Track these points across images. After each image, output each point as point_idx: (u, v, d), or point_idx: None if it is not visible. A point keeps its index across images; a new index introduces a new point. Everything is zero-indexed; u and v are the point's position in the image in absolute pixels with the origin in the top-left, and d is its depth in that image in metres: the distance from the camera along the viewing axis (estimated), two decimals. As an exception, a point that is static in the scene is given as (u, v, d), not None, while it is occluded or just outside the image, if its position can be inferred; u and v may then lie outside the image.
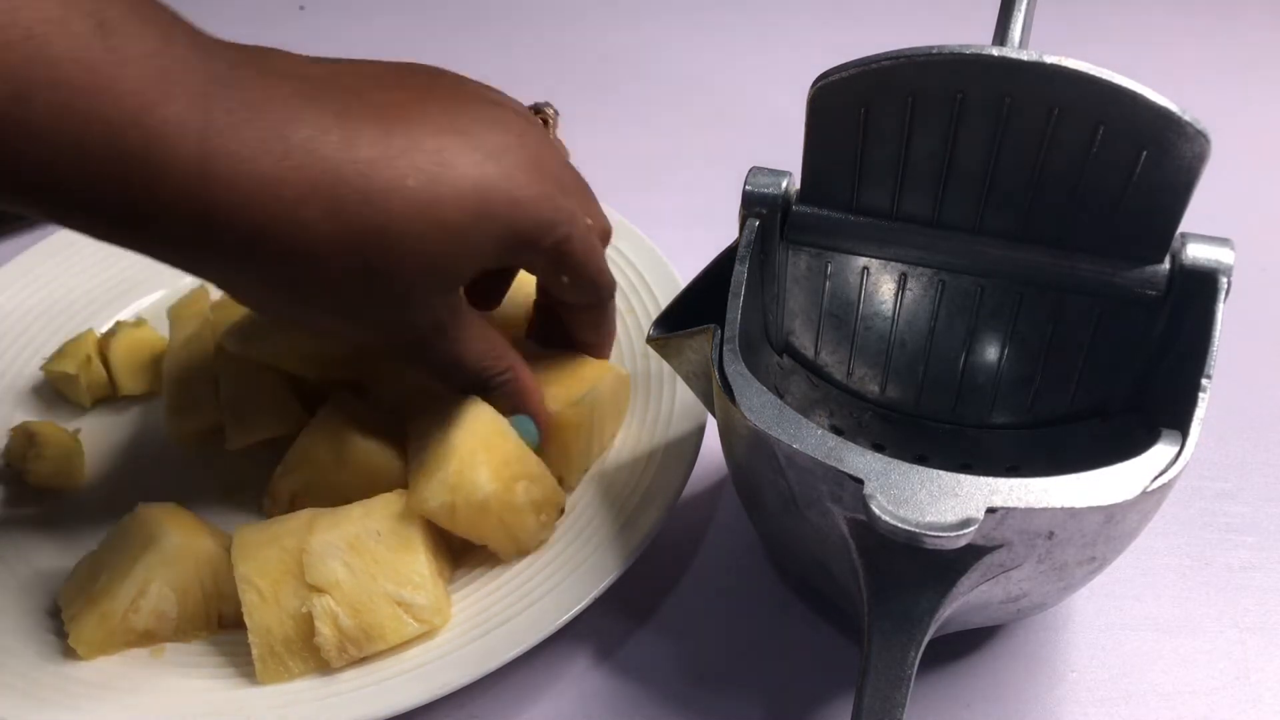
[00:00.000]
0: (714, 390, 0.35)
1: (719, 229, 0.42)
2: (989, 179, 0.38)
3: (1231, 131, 0.47)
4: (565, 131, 0.63)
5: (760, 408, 0.33)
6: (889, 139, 0.38)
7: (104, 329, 0.51)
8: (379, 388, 0.45)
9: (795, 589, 0.42)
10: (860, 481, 0.30)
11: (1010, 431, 0.42)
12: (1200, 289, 0.36)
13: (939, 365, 0.43)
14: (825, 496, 0.32)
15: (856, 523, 0.32)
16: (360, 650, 0.36)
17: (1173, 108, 0.34)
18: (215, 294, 0.50)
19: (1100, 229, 0.38)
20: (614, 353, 0.49)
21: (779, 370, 0.43)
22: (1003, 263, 0.40)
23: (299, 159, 0.31)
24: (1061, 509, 0.30)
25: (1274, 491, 0.47)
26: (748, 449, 0.35)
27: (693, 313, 0.37)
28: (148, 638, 0.38)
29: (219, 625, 0.39)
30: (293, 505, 0.42)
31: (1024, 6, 0.38)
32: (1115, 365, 0.40)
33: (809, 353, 0.44)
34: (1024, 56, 0.35)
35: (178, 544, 0.38)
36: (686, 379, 0.40)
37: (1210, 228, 0.38)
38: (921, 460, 0.41)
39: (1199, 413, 0.33)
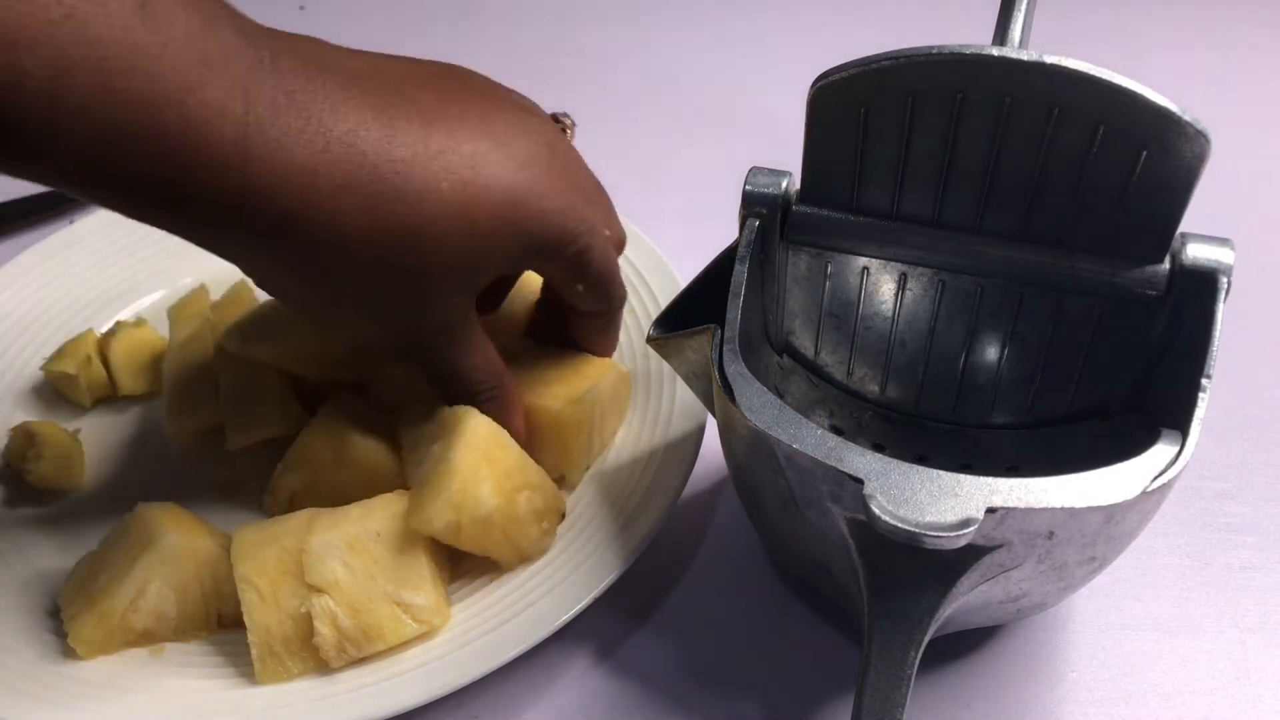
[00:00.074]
0: (714, 390, 0.35)
1: (719, 229, 0.42)
2: (989, 179, 0.38)
3: (1231, 131, 0.47)
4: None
5: (760, 408, 0.33)
6: (889, 139, 0.38)
7: (104, 329, 0.51)
8: (379, 388, 0.45)
9: (795, 589, 0.42)
10: (860, 481, 0.30)
11: (1010, 431, 0.42)
12: (1200, 289, 0.36)
13: (939, 365, 0.43)
14: (825, 496, 0.32)
15: (856, 523, 0.32)
16: (359, 650, 0.36)
17: (1173, 108, 0.34)
18: (215, 294, 0.50)
19: (1100, 229, 0.38)
20: (614, 352, 0.49)
21: (779, 370, 0.43)
22: (1003, 263, 0.40)
23: (338, 152, 0.31)
24: (1061, 509, 0.30)
25: (1274, 491, 0.47)
26: (748, 449, 0.35)
27: (693, 313, 0.37)
28: (147, 637, 0.38)
29: (218, 625, 0.39)
30: (293, 505, 0.42)
31: (1024, 6, 0.38)
32: (1115, 365, 0.40)
33: (809, 353, 0.44)
34: (1024, 56, 0.35)
35: (177, 544, 0.38)
36: (686, 379, 0.40)
37: (1210, 228, 0.38)
38: (921, 460, 0.41)
39: (1199, 413, 0.33)
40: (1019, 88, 0.35)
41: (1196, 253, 0.37)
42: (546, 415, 0.41)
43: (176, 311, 0.49)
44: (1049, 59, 0.34)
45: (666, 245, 0.52)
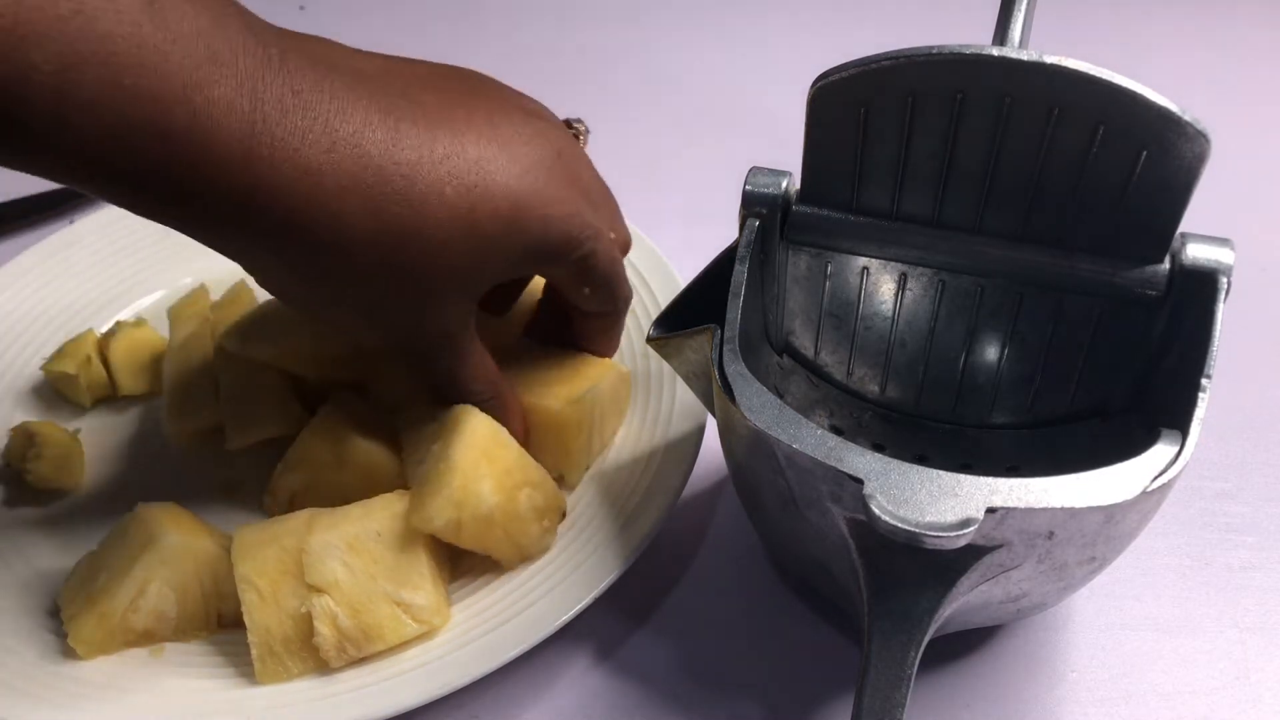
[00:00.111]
0: (714, 390, 0.35)
1: (719, 229, 0.42)
2: (989, 179, 0.38)
3: (1231, 131, 0.47)
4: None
5: (760, 408, 0.33)
6: (889, 139, 0.38)
7: (104, 329, 0.51)
8: (379, 388, 0.45)
9: (795, 589, 0.42)
10: (860, 481, 0.30)
11: (1010, 431, 0.42)
12: (1200, 289, 0.36)
13: (939, 365, 0.43)
14: (825, 496, 0.32)
15: (856, 523, 0.32)
16: (359, 650, 0.36)
17: (1173, 108, 0.34)
18: (215, 294, 0.50)
19: (1100, 229, 0.38)
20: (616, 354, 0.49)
21: (779, 370, 0.43)
22: (1003, 263, 0.40)
23: (343, 152, 0.31)
24: (1061, 509, 0.30)
25: (1274, 491, 0.47)
26: (748, 449, 0.35)
27: (693, 313, 0.37)
28: (147, 637, 0.38)
29: (218, 625, 0.39)
30: (293, 505, 0.42)
31: (1024, 6, 0.38)
32: (1115, 365, 0.40)
33: (809, 353, 0.44)
34: (1024, 56, 0.35)
35: (177, 544, 0.38)
36: (686, 379, 0.40)
37: (1210, 228, 0.38)
38: (921, 460, 0.41)
39: (1199, 413, 0.33)
40: (1019, 88, 0.35)
41: (1196, 253, 0.37)
42: (546, 415, 0.41)
43: (176, 311, 0.49)
44: (1049, 59, 0.34)
45: (666, 245, 0.52)
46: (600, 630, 0.41)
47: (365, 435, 0.41)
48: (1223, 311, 0.35)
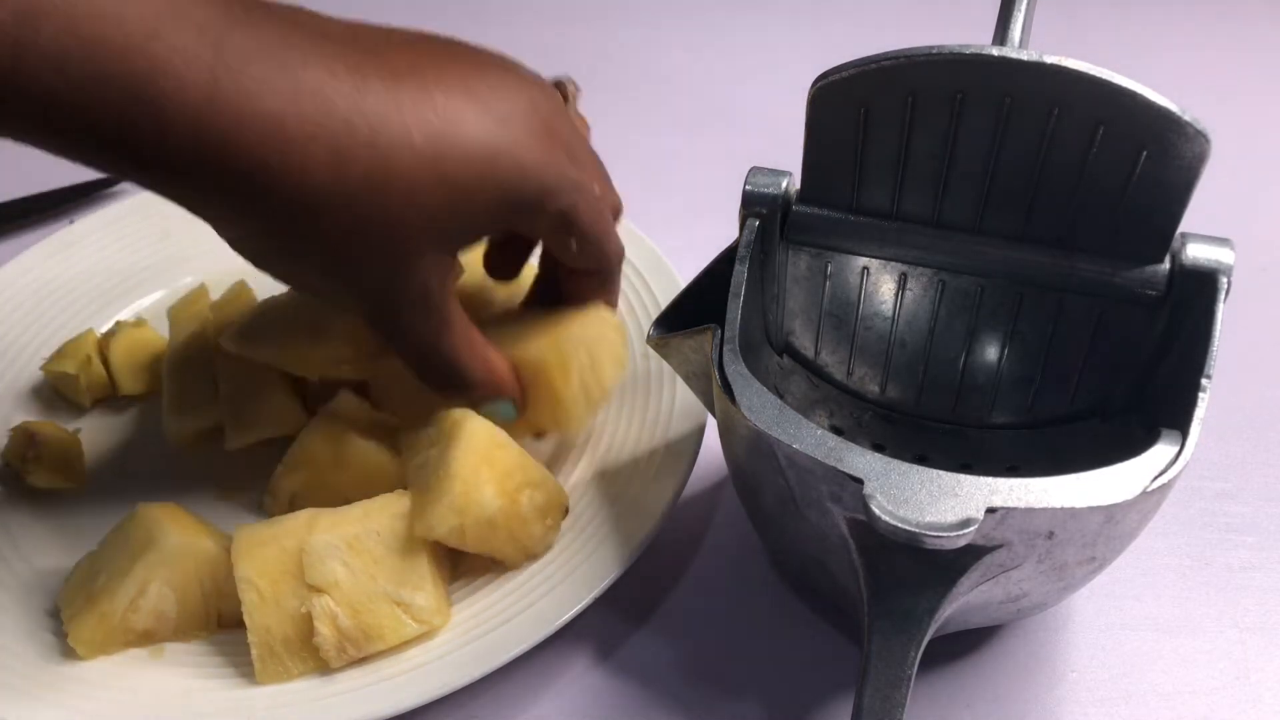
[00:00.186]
0: (714, 390, 0.35)
1: (719, 229, 0.42)
2: (989, 179, 0.38)
3: (1231, 131, 0.47)
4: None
5: (760, 408, 0.33)
6: (889, 139, 0.38)
7: (104, 329, 0.51)
8: (379, 389, 0.45)
9: (795, 589, 0.42)
10: (860, 481, 0.30)
11: (1010, 431, 0.42)
12: (1200, 289, 0.36)
13: (939, 365, 0.43)
14: (825, 496, 0.32)
15: (856, 523, 0.32)
16: (359, 650, 0.36)
17: (1173, 108, 0.34)
18: (215, 294, 0.50)
19: (1100, 229, 0.38)
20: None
21: (779, 370, 0.43)
22: (1003, 263, 0.40)
23: (307, 102, 0.31)
24: (1061, 509, 0.30)
25: (1274, 491, 0.46)
26: (748, 449, 0.35)
27: (693, 313, 0.37)
28: (147, 637, 0.38)
29: (218, 625, 0.39)
30: (293, 505, 0.42)
31: (1024, 6, 0.38)
32: (1115, 365, 0.40)
33: (809, 353, 0.44)
34: (1024, 56, 0.35)
35: (177, 544, 0.38)
36: (686, 379, 0.40)
37: (1210, 228, 0.38)
38: (921, 460, 0.41)
39: (1199, 413, 0.33)
40: (1019, 88, 0.35)
41: (1196, 253, 0.37)
42: (529, 365, 0.40)
43: (176, 311, 0.49)
44: (1049, 59, 0.34)
45: (666, 245, 0.52)
46: (600, 630, 0.41)
47: (365, 435, 0.41)
48: (1223, 311, 0.35)
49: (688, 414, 0.44)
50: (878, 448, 0.42)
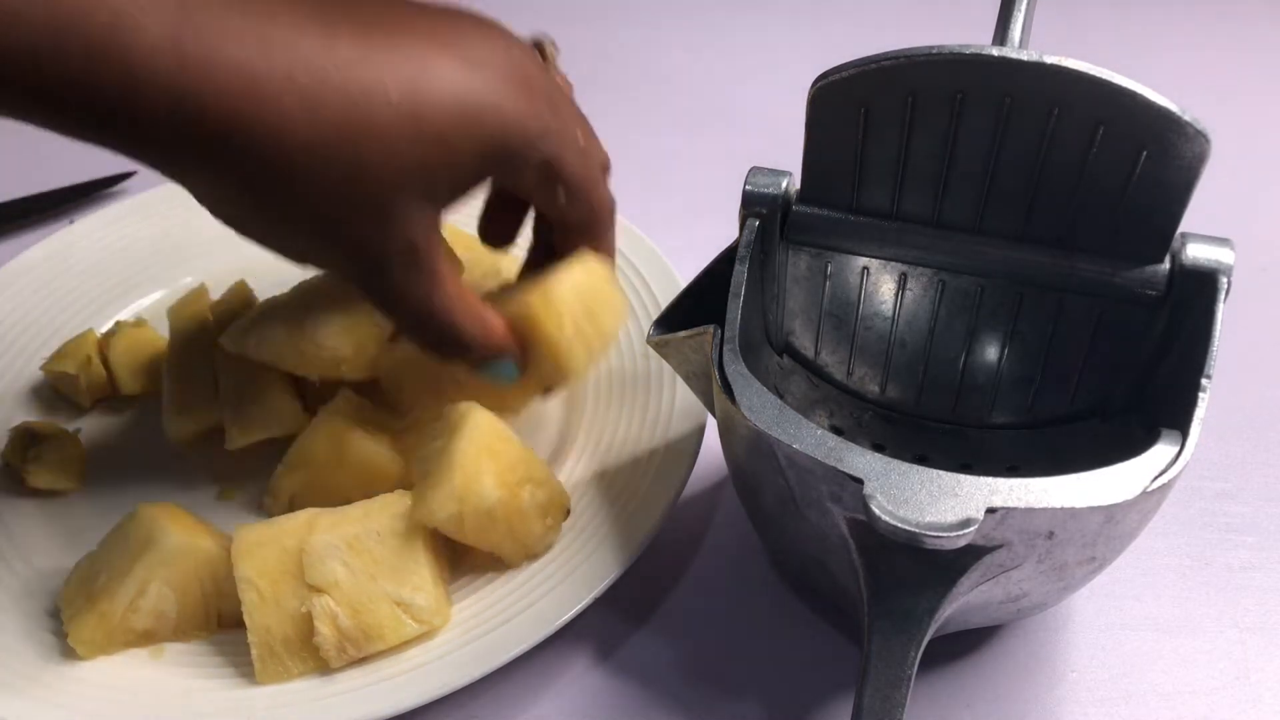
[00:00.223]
0: (714, 390, 0.35)
1: (719, 229, 0.42)
2: (989, 179, 0.38)
3: (1231, 131, 0.47)
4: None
5: (760, 408, 0.33)
6: (889, 139, 0.38)
7: (104, 329, 0.51)
8: (383, 389, 0.45)
9: (795, 589, 0.42)
10: (860, 481, 0.30)
11: (1010, 431, 0.42)
12: (1200, 289, 0.36)
13: (939, 365, 0.43)
14: (825, 496, 0.32)
15: (856, 523, 0.32)
16: (359, 650, 0.36)
17: (1173, 108, 0.34)
18: (215, 294, 0.50)
19: (1100, 229, 0.38)
20: (614, 353, 0.49)
21: (779, 370, 0.43)
22: (1003, 263, 0.40)
23: (279, 54, 0.30)
24: (1061, 509, 0.30)
25: (1274, 491, 0.46)
26: (748, 449, 0.35)
27: (693, 313, 0.37)
28: (147, 637, 0.38)
29: (218, 625, 0.39)
30: (293, 505, 0.42)
31: (1024, 6, 0.38)
32: (1115, 365, 0.40)
33: (809, 353, 0.44)
34: (1024, 56, 0.35)
35: (177, 544, 0.38)
36: (686, 379, 0.40)
37: (1210, 228, 0.38)
38: (921, 460, 0.41)
39: (1199, 413, 0.33)
40: (1019, 88, 0.35)
41: (1196, 253, 0.37)
42: (521, 319, 0.39)
43: (176, 311, 0.49)
44: (1049, 59, 0.34)
45: (666, 245, 0.52)
46: (600, 630, 0.41)
47: (365, 435, 0.41)
48: (1223, 311, 0.35)
49: (688, 414, 0.44)
50: (878, 448, 0.42)
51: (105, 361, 0.48)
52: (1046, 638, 0.41)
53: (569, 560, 0.39)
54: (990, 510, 0.29)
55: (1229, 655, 0.40)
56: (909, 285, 0.42)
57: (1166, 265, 0.38)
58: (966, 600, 0.33)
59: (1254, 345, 0.53)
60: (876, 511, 0.29)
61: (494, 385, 0.39)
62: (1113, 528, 0.32)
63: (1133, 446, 0.32)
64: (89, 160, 0.65)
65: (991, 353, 0.42)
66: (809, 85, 0.37)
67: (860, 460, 0.31)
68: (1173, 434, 0.33)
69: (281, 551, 0.37)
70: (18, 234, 0.62)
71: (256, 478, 0.44)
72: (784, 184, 0.40)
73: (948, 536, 0.29)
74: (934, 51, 0.35)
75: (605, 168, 0.40)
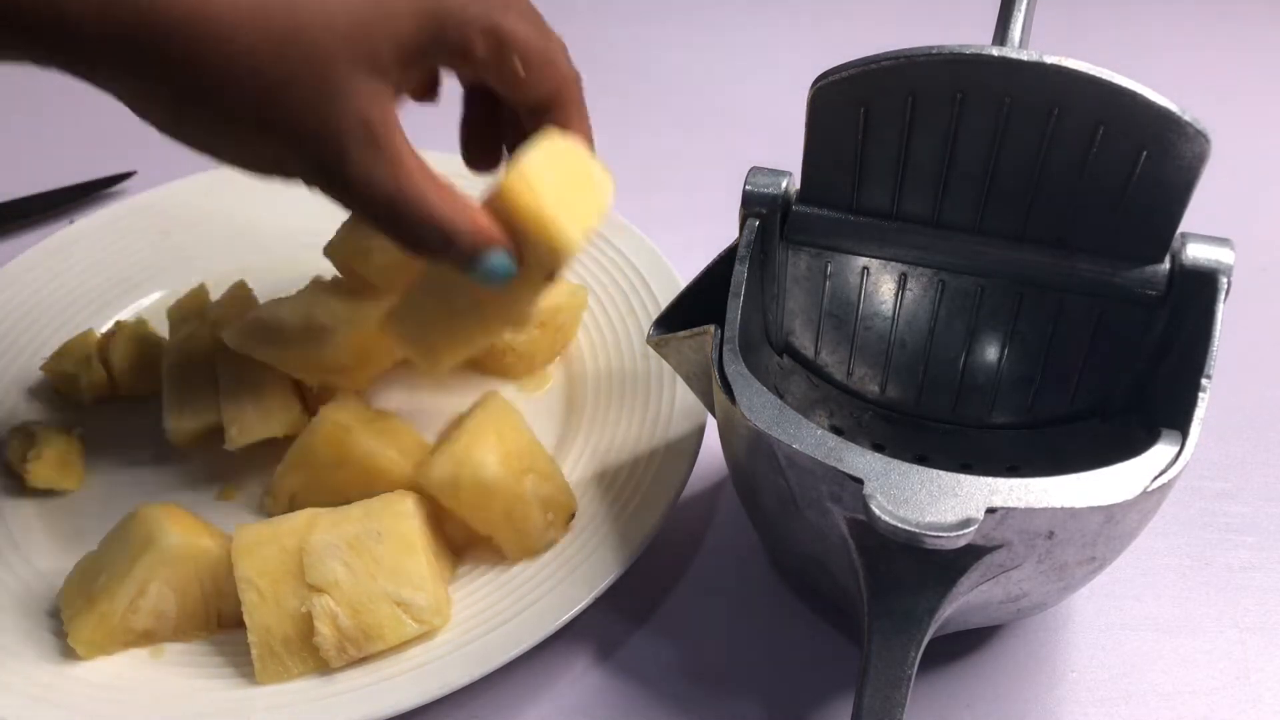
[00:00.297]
0: (714, 390, 0.35)
1: (719, 229, 0.42)
2: (989, 179, 0.38)
3: (1231, 131, 0.47)
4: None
5: (760, 408, 0.33)
6: (889, 139, 0.38)
7: (104, 329, 0.51)
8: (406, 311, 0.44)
9: (795, 589, 0.42)
10: (860, 481, 0.30)
11: (1010, 431, 0.42)
12: (1200, 289, 0.36)
13: (939, 365, 0.43)
14: (825, 496, 0.32)
15: (856, 523, 0.32)
16: (359, 650, 0.36)
17: (1173, 108, 0.34)
18: (215, 294, 0.50)
19: (1100, 229, 0.38)
20: (614, 353, 0.49)
21: (779, 370, 0.43)
22: (1003, 263, 0.40)
23: None
24: (1061, 509, 0.30)
25: (1274, 491, 0.46)
26: (748, 449, 0.35)
27: (693, 313, 0.37)
28: (147, 637, 0.38)
29: (218, 625, 0.39)
30: (293, 505, 0.42)
31: (1024, 6, 0.38)
32: (1115, 365, 0.40)
33: (809, 353, 0.44)
34: (1024, 56, 0.35)
35: (177, 544, 0.38)
36: (686, 379, 0.40)
37: (1210, 228, 0.38)
38: (921, 460, 0.41)
39: (1199, 413, 0.33)
40: (1019, 88, 0.35)
41: (1196, 253, 0.37)
42: (496, 202, 0.35)
43: (176, 311, 0.49)
44: (1049, 59, 0.34)
45: (666, 245, 0.52)
46: (600, 630, 0.41)
47: (365, 435, 0.41)
48: (1223, 311, 0.35)
49: (688, 414, 0.44)
50: (878, 448, 0.42)
51: (105, 361, 0.48)
52: (1046, 638, 0.41)
53: (569, 559, 0.39)
54: (990, 510, 0.29)
55: (1229, 655, 0.40)
56: (909, 285, 0.42)
57: (1166, 265, 0.38)
58: (966, 600, 0.33)
59: (1254, 345, 0.53)
60: (876, 511, 0.29)
61: (494, 288, 0.36)
62: (1113, 528, 0.32)
63: (1133, 446, 0.32)
64: (89, 160, 0.65)
65: (991, 353, 0.42)
66: (809, 85, 0.37)
67: (860, 460, 0.31)
68: (1173, 434, 0.33)
69: (281, 551, 0.37)
70: (18, 234, 0.62)
71: (256, 478, 0.44)
72: (784, 184, 0.40)
73: (948, 536, 0.29)
74: (934, 51, 0.35)
75: (562, 49, 0.37)
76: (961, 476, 0.30)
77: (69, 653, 0.37)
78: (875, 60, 0.36)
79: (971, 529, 0.29)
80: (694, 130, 0.72)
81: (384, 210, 0.34)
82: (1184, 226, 0.37)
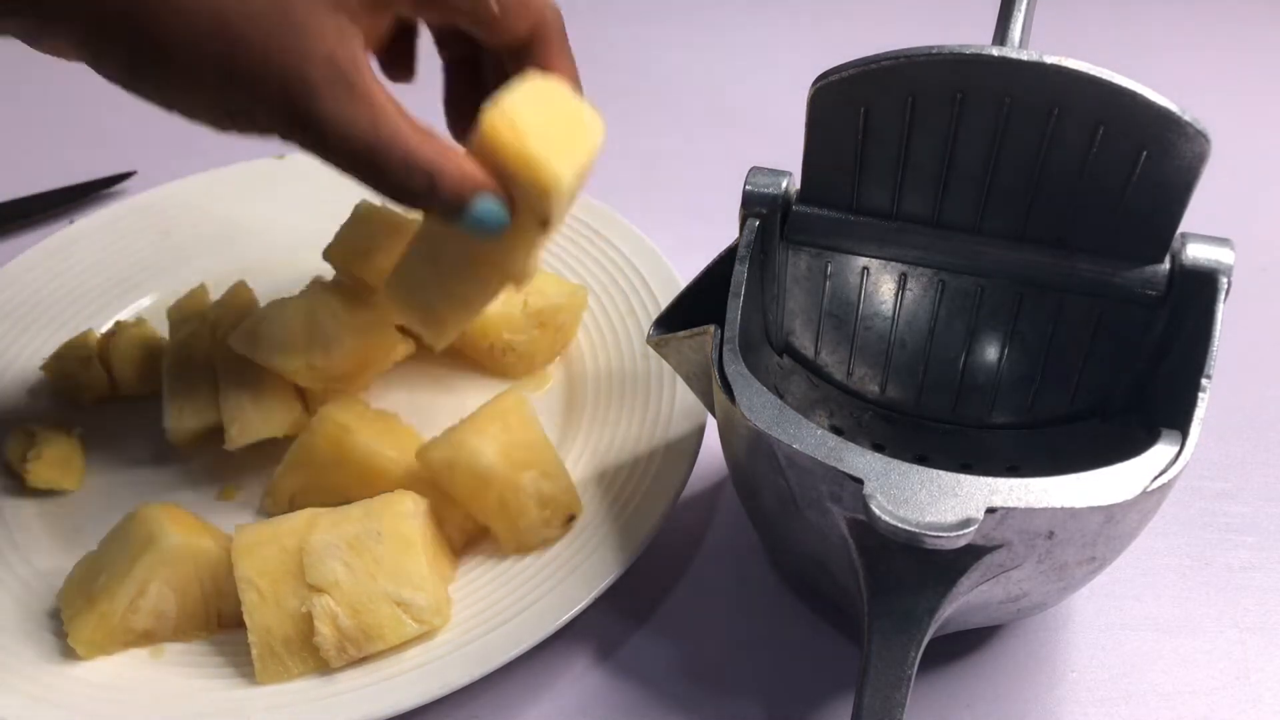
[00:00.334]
0: (714, 390, 0.35)
1: (719, 229, 0.42)
2: (989, 179, 0.38)
3: (1231, 131, 0.47)
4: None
5: (760, 408, 0.33)
6: (889, 139, 0.38)
7: (104, 329, 0.51)
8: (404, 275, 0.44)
9: (795, 589, 0.42)
10: (860, 481, 0.30)
11: (1010, 431, 0.42)
12: (1200, 289, 0.36)
13: (939, 365, 0.43)
14: (825, 496, 0.32)
15: (856, 523, 0.32)
16: (359, 650, 0.36)
17: (1173, 108, 0.34)
18: (215, 294, 0.50)
19: (1100, 229, 0.38)
20: (614, 353, 0.49)
21: (779, 370, 0.43)
22: (1003, 263, 0.40)
23: None
24: (1061, 509, 0.30)
25: (1274, 491, 0.46)
26: (748, 449, 0.35)
27: (693, 313, 0.37)
28: (147, 638, 0.38)
29: (218, 625, 0.39)
30: (293, 505, 0.42)
31: (1024, 6, 0.38)
32: (1115, 365, 0.40)
33: (809, 353, 0.44)
34: (1024, 56, 0.35)
35: (177, 544, 0.38)
36: (686, 379, 0.40)
37: (1210, 228, 0.38)
38: (921, 460, 0.41)
39: (1199, 413, 0.33)
40: (1019, 88, 0.35)
41: (1196, 253, 0.37)
42: (479, 146, 0.34)
43: (176, 311, 0.49)
44: (1049, 59, 0.34)
45: (666, 245, 0.52)
46: (600, 630, 0.41)
47: (365, 435, 0.41)
48: (1223, 311, 0.35)
49: (688, 414, 0.44)
50: (878, 448, 0.42)
51: (105, 361, 0.48)
52: (1046, 638, 0.41)
53: (569, 560, 0.39)
54: (990, 510, 0.29)
55: (1229, 655, 0.40)
56: (909, 285, 0.42)
57: (1166, 265, 0.38)
58: (966, 600, 0.33)
59: (1254, 345, 0.53)
60: (876, 511, 0.29)
61: (487, 238, 0.34)
62: (1113, 528, 0.32)
63: (1133, 446, 0.32)
64: (89, 160, 0.65)
65: (991, 353, 0.42)
66: (809, 85, 0.37)
67: (860, 460, 0.31)
68: (1173, 434, 0.33)
69: (281, 551, 0.37)
70: (18, 234, 0.62)
71: (256, 478, 0.44)
72: (784, 184, 0.40)
73: (948, 536, 0.29)
74: (934, 51, 0.35)
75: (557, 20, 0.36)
76: (961, 476, 0.30)
77: (69, 653, 0.37)
78: (875, 60, 0.36)
79: (971, 529, 0.29)
80: (694, 130, 0.72)
81: (362, 156, 0.32)
82: (1184, 226, 0.37)
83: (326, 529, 0.37)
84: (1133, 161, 0.36)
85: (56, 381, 0.49)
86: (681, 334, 0.37)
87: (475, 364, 0.49)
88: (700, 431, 0.43)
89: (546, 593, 0.38)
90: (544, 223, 0.35)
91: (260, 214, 0.57)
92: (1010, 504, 0.30)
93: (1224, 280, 0.36)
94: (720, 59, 0.80)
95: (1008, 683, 0.39)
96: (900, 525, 0.29)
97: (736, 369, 0.34)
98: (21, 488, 0.44)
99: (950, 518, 0.29)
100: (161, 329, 0.50)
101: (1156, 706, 0.38)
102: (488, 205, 0.33)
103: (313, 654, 0.36)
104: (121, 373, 0.48)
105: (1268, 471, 0.47)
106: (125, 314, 0.53)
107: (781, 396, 0.40)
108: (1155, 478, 0.31)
